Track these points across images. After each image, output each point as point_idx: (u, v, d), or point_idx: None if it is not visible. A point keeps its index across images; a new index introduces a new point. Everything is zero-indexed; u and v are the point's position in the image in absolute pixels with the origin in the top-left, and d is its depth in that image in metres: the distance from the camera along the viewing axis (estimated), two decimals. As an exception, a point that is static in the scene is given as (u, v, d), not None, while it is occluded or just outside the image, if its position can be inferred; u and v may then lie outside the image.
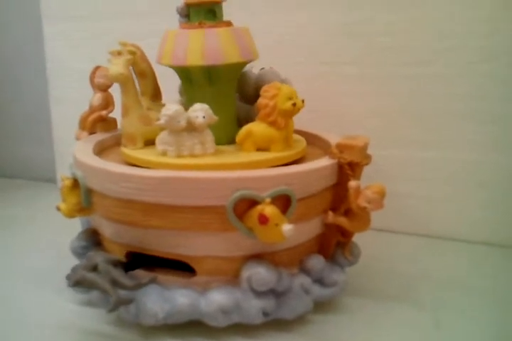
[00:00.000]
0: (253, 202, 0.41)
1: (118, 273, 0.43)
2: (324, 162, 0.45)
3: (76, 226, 0.54)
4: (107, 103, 0.56)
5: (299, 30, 0.66)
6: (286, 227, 0.40)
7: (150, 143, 0.48)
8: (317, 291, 0.47)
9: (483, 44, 0.59)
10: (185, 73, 0.50)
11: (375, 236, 0.61)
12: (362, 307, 0.50)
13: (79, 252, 0.50)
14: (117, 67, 0.46)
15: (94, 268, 0.43)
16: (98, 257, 0.44)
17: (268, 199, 0.40)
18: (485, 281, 0.55)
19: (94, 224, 0.51)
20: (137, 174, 0.41)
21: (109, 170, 0.43)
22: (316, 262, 0.47)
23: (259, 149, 0.48)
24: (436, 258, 0.61)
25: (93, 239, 0.50)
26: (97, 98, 0.56)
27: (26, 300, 0.52)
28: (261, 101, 0.47)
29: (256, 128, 0.47)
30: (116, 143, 0.56)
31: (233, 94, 0.52)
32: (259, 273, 0.43)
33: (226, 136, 0.50)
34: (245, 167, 0.44)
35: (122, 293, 0.43)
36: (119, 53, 0.46)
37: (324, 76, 0.66)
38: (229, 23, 0.50)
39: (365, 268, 0.55)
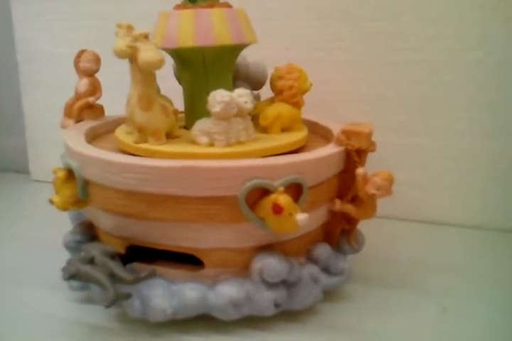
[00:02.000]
0: (264, 192, 0.40)
1: (116, 266, 0.41)
2: (333, 149, 0.44)
3: (56, 218, 0.52)
4: (94, 89, 0.52)
5: (289, 15, 0.65)
6: (301, 217, 0.39)
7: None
8: (324, 280, 0.46)
9: (473, 31, 0.59)
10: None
11: (370, 224, 0.60)
12: (367, 295, 0.50)
13: (72, 247, 0.47)
14: (153, 52, 0.40)
15: (91, 261, 0.41)
16: (94, 249, 0.42)
17: (281, 188, 0.39)
18: (486, 266, 0.55)
19: (89, 217, 0.48)
20: (142, 164, 0.39)
21: (110, 160, 0.40)
22: (323, 250, 0.46)
23: (283, 130, 0.48)
24: (434, 243, 0.61)
25: (88, 232, 0.47)
26: (84, 84, 0.52)
27: (18, 299, 0.49)
28: (285, 83, 0.48)
29: (283, 110, 0.48)
30: (107, 130, 0.53)
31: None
32: (271, 264, 0.41)
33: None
34: (285, 149, 0.44)
35: (120, 287, 0.41)
36: (146, 37, 0.41)
37: (316, 62, 0.65)
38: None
39: (365, 256, 0.54)
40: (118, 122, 0.54)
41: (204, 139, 0.43)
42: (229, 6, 0.48)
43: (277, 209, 0.39)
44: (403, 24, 0.61)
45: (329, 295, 0.48)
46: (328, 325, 0.45)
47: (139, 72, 0.41)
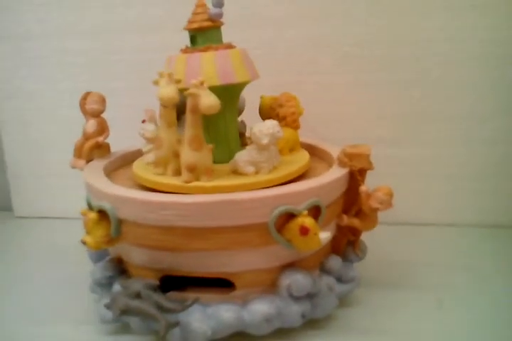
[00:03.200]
0: (289, 216, 0.44)
1: (161, 298, 0.44)
2: (341, 171, 0.49)
3: (46, 254, 0.57)
4: (102, 128, 0.55)
5: (273, 43, 0.70)
6: (324, 235, 0.44)
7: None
8: (338, 288, 0.51)
9: (438, 51, 0.67)
10: None
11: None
12: (372, 297, 0.55)
13: (103, 283, 0.49)
14: (213, 97, 0.43)
15: (138, 295, 0.44)
16: (136, 284, 0.45)
17: (305, 212, 0.44)
18: (475, 261, 0.62)
19: (117, 253, 0.50)
20: (179, 201, 0.42)
21: (148, 200, 0.43)
22: (335, 262, 0.52)
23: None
24: (418, 243, 0.68)
25: (119, 267, 0.50)
26: (91, 124, 0.54)
27: (50, 338, 0.50)
28: (287, 110, 0.55)
29: (289, 134, 0.54)
30: (117, 167, 0.56)
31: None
32: (298, 280, 0.46)
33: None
34: (305, 169, 0.51)
35: (167, 316, 0.44)
36: (202, 83, 0.43)
37: (298, 85, 0.70)
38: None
39: (364, 260, 0.60)
40: (125, 158, 0.58)
41: (251, 168, 0.47)
42: (229, 47, 0.51)
43: (304, 230, 0.43)
44: (373, 47, 0.68)
45: (341, 301, 0.53)
46: (346, 328, 0.50)
47: (192, 115, 0.44)
